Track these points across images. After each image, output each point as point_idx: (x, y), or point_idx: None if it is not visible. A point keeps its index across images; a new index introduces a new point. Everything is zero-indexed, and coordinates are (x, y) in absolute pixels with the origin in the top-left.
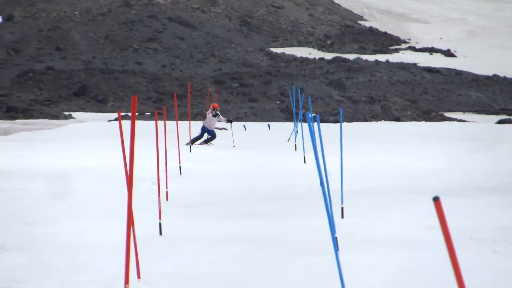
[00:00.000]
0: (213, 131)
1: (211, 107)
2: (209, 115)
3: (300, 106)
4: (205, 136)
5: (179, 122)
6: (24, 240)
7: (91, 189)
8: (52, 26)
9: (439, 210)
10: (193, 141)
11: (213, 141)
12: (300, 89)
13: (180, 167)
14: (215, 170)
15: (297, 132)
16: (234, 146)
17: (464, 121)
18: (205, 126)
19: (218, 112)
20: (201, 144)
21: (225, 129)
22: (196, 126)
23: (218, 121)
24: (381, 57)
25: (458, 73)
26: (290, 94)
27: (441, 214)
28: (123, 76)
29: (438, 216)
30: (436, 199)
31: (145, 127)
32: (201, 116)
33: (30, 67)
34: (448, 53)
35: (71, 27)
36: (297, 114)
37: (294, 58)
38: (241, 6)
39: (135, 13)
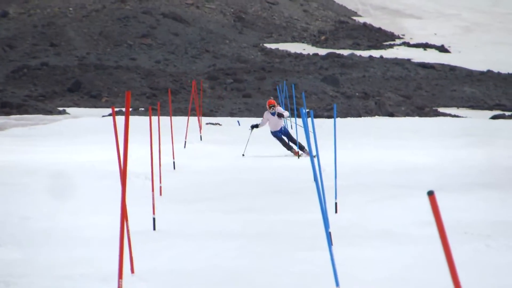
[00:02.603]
0: (283, 130)
1: (267, 105)
2: (265, 117)
3: (294, 102)
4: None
5: (173, 117)
6: (20, 235)
7: (86, 184)
8: (47, 22)
9: (434, 204)
10: (300, 148)
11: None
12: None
13: (174, 162)
14: (209, 165)
15: (291, 127)
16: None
17: (458, 116)
18: (272, 131)
19: (275, 108)
20: (294, 152)
21: (219, 124)
22: (193, 123)
23: (279, 117)
24: (375, 53)
25: (452, 68)
26: (279, 90)
27: (435, 209)
28: (117, 72)
29: (432, 211)
30: (430, 194)
31: (139, 122)
32: (195, 112)
33: (25, 63)
34: (442, 49)
35: (65, 23)
36: (291, 110)
37: (288, 54)
38: (235, 2)
39: (129, 9)
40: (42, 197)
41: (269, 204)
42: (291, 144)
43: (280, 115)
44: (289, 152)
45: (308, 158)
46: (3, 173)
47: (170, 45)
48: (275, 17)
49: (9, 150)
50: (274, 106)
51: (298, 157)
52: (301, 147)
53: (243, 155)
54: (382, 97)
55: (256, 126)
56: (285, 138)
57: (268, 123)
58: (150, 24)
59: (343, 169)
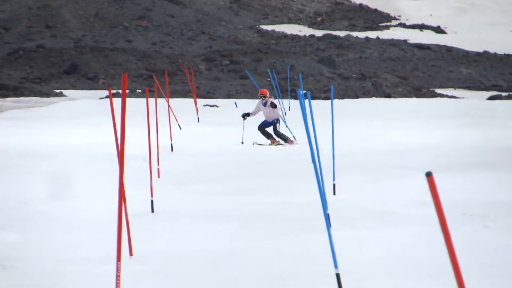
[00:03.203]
0: (272, 121)
1: (259, 94)
2: (260, 106)
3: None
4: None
5: (170, 99)
6: (18, 218)
7: (83, 167)
8: (42, 4)
9: (432, 185)
10: (283, 138)
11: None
12: (291, 66)
13: (171, 144)
14: (207, 147)
15: (289, 108)
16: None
17: (455, 97)
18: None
19: (266, 98)
20: (287, 142)
21: (216, 106)
22: (189, 104)
23: (273, 107)
24: (372, 34)
25: (449, 49)
26: (270, 72)
27: (433, 190)
28: (114, 54)
29: (430, 192)
30: (428, 175)
31: (136, 104)
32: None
33: (20, 45)
34: (438, 30)
35: (60, 4)
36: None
37: (285, 36)
38: None
39: None
40: (40, 180)
41: (267, 186)
42: (274, 135)
43: (274, 105)
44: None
45: (306, 141)
46: (0, 156)
47: (166, 27)
48: None
49: (6, 132)
50: (264, 96)
51: (275, 145)
52: (285, 139)
53: (242, 142)
54: (379, 78)
55: (248, 114)
56: (270, 128)
57: (262, 113)
58: (146, 6)
59: (341, 151)
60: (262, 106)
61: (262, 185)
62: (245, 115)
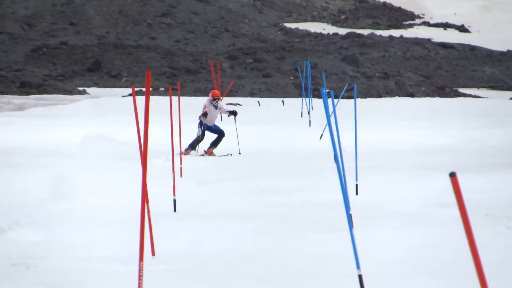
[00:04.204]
0: (216, 126)
1: (210, 95)
2: (207, 107)
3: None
4: (210, 136)
5: (193, 98)
6: (38, 216)
7: (105, 165)
8: (66, 1)
9: (456, 186)
10: (192, 146)
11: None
12: (314, 64)
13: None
14: (229, 146)
15: (312, 108)
16: (240, 154)
17: (478, 97)
18: (204, 123)
19: (219, 102)
20: (208, 151)
21: (239, 104)
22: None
23: (220, 113)
24: (395, 33)
25: (472, 48)
26: (299, 70)
27: (457, 190)
28: (137, 51)
29: (454, 192)
30: (452, 175)
31: (159, 102)
32: None
33: (44, 42)
34: (462, 29)
35: (84, 1)
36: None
37: (308, 34)
38: None
39: None
40: (61, 178)
41: (289, 185)
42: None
43: (234, 113)
44: (193, 149)
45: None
46: (22, 153)
47: (190, 24)
48: None
49: (29, 130)
50: (218, 98)
51: (208, 155)
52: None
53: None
54: (402, 77)
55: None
56: (213, 134)
57: (206, 115)
58: (169, 3)
59: (363, 150)
60: (212, 108)
61: (284, 184)
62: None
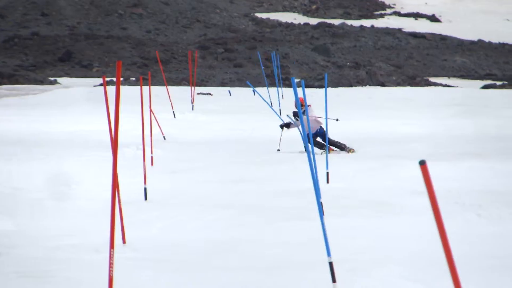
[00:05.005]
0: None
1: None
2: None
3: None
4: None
5: (163, 88)
6: (11, 206)
7: (76, 154)
8: None
9: (425, 174)
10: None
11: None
12: (285, 54)
13: (163, 135)
14: (200, 135)
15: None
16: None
17: (449, 86)
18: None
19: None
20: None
21: (210, 94)
22: (182, 92)
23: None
24: (366, 23)
25: (443, 38)
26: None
27: (427, 178)
28: (108, 42)
29: (424, 180)
30: (422, 163)
31: (130, 92)
32: (186, 81)
33: (16, 33)
34: (433, 18)
35: None
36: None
37: (279, 24)
38: None
39: None
40: (33, 167)
41: (260, 175)
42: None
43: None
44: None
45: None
46: None
47: (161, 15)
48: None
49: (1, 119)
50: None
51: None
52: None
53: (278, 150)
54: (373, 67)
55: (288, 125)
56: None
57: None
58: None
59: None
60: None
61: (256, 174)
62: (285, 126)
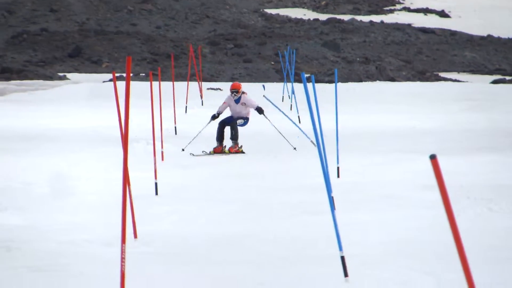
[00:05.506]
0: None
1: (230, 89)
2: (226, 103)
3: (293, 67)
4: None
5: (174, 83)
6: (21, 200)
7: (87, 150)
8: None
9: (436, 168)
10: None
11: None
12: (296, 49)
13: (175, 127)
14: (210, 130)
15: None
16: (295, 149)
17: (458, 81)
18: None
19: (244, 96)
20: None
21: (219, 89)
22: (192, 87)
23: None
24: (376, 18)
25: (453, 33)
26: (280, 55)
27: (438, 172)
28: (118, 37)
29: (435, 174)
30: (433, 157)
31: (140, 88)
32: (195, 77)
33: (24, 29)
34: (442, 14)
35: None
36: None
37: (289, 19)
38: None
39: None
40: (43, 162)
41: (270, 169)
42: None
43: (260, 110)
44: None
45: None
46: (4, 139)
47: (171, 11)
48: None
49: (9, 115)
50: (237, 91)
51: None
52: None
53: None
54: (383, 62)
55: (217, 116)
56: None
57: (229, 109)
58: None
59: (345, 134)
60: (233, 103)
61: (266, 168)
62: (214, 117)
